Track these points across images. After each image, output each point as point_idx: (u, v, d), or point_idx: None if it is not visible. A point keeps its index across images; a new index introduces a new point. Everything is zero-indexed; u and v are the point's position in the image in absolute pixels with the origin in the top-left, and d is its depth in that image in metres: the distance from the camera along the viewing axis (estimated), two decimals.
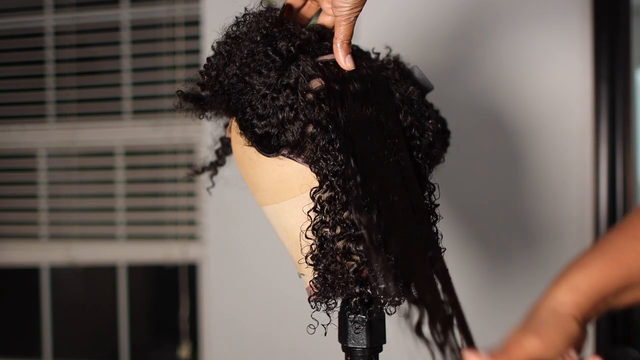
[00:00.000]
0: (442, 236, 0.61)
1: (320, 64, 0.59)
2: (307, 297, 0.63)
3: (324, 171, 0.57)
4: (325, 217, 0.58)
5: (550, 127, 1.36)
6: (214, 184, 0.86)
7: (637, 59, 1.40)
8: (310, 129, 0.57)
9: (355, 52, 0.65)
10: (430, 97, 0.78)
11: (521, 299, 1.38)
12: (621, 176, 1.31)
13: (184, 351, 1.66)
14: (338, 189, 0.56)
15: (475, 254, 1.40)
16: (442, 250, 0.60)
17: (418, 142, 0.60)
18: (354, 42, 0.66)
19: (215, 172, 0.85)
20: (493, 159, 1.39)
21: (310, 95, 0.57)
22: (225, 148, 0.83)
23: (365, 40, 1.43)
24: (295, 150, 0.59)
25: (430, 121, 0.66)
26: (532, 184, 1.37)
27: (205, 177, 0.87)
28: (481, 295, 1.39)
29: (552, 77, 1.35)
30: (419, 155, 0.61)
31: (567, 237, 1.35)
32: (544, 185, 1.36)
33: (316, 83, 0.58)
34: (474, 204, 1.40)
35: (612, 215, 1.30)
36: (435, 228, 0.61)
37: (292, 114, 0.58)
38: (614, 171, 1.31)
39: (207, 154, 0.86)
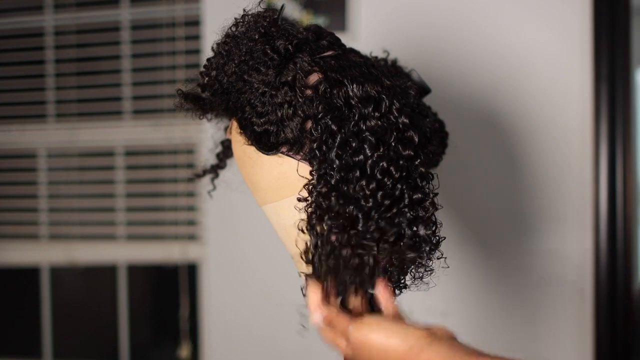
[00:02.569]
0: (441, 224, 0.62)
1: (317, 59, 0.60)
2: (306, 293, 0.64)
3: (323, 165, 0.57)
4: (322, 211, 0.58)
5: (550, 127, 1.36)
6: (215, 187, 0.86)
7: (637, 59, 1.40)
8: (308, 125, 0.58)
9: (350, 49, 0.66)
10: (430, 98, 0.78)
11: (520, 299, 1.38)
12: (621, 176, 1.31)
13: (184, 351, 1.66)
14: (337, 179, 0.57)
15: (474, 254, 1.40)
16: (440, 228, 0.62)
17: (412, 134, 0.61)
18: (353, 44, 0.67)
19: (216, 175, 0.86)
20: (492, 159, 1.39)
21: (308, 91, 0.58)
22: (226, 151, 0.84)
23: (364, 43, 1.44)
24: (294, 147, 0.60)
25: (427, 119, 0.67)
26: (532, 184, 1.37)
27: (205, 177, 0.87)
28: (480, 294, 1.39)
29: (552, 77, 1.35)
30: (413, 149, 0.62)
31: (567, 237, 1.35)
32: (543, 185, 1.36)
33: (314, 77, 0.59)
34: (474, 203, 1.40)
35: (612, 215, 1.31)
36: (434, 216, 0.62)
37: (291, 111, 0.58)
38: (614, 171, 1.31)
39: (208, 157, 0.87)
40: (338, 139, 0.56)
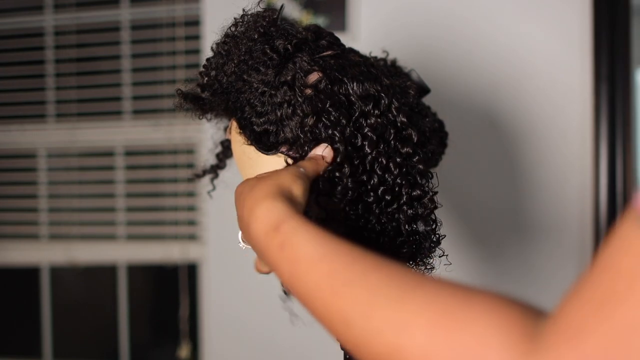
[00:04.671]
0: (441, 223, 0.62)
1: (317, 58, 0.60)
2: None
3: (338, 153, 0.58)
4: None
5: (550, 127, 1.36)
6: (214, 187, 0.86)
7: (637, 59, 1.40)
8: (310, 121, 0.58)
9: (349, 49, 0.66)
10: (430, 98, 0.78)
11: (520, 298, 1.38)
12: (621, 176, 1.31)
13: (184, 351, 1.66)
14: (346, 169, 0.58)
15: (474, 254, 1.40)
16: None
17: (411, 132, 0.61)
18: (353, 44, 0.67)
19: (216, 175, 0.85)
20: (493, 160, 1.39)
21: (308, 91, 0.58)
22: (225, 151, 0.83)
23: (364, 43, 1.44)
24: (294, 147, 0.60)
25: (427, 119, 0.67)
26: (532, 184, 1.37)
27: (205, 177, 0.87)
28: None
29: (552, 77, 1.35)
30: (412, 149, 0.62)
31: (567, 237, 1.35)
32: (544, 185, 1.36)
33: (314, 76, 0.59)
34: (474, 204, 1.40)
35: (612, 215, 1.30)
36: (434, 215, 0.62)
37: (290, 110, 0.58)
38: (614, 171, 1.31)
39: (208, 157, 0.87)
40: (348, 132, 0.57)
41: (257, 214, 0.48)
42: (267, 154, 0.62)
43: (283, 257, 0.44)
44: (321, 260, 0.41)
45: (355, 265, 0.40)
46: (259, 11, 0.63)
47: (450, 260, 0.63)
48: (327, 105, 0.57)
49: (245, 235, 0.51)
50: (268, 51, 0.59)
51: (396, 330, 0.35)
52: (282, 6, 0.64)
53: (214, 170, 0.85)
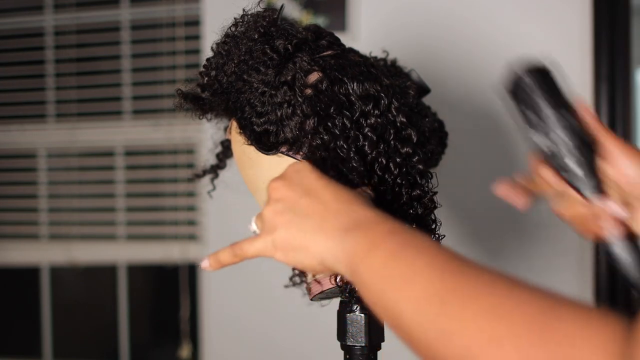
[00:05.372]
0: (440, 223, 0.62)
1: (317, 58, 0.60)
2: (308, 296, 0.64)
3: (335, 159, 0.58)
4: None
5: None
6: (214, 187, 0.86)
7: (637, 59, 1.40)
8: (311, 122, 0.58)
9: (349, 49, 0.66)
10: (430, 98, 0.78)
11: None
12: None
13: (184, 351, 1.66)
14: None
15: (474, 254, 1.40)
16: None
17: (411, 132, 0.61)
18: (353, 44, 0.67)
19: (216, 176, 0.85)
20: (492, 160, 1.39)
21: (308, 91, 0.58)
22: (225, 151, 0.83)
23: (364, 43, 1.44)
24: (294, 147, 0.60)
25: (426, 119, 0.67)
26: None
27: (205, 177, 0.87)
28: None
29: None
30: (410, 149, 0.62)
31: (567, 236, 1.35)
32: None
33: (314, 77, 0.59)
34: (474, 204, 1.40)
35: None
36: (433, 215, 0.62)
37: (290, 110, 0.58)
38: None
39: (208, 157, 0.87)
40: (352, 134, 0.57)
41: (370, 214, 0.49)
42: (267, 154, 0.62)
43: (396, 248, 0.45)
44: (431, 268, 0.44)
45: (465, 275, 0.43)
46: (259, 11, 0.63)
47: None
48: (330, 109, 0.57)
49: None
50: (268, 51, 0.59)
51: (491, 344, 0.37)
52: (282, 6, 0.64)
53: (214, 170, 0.85)
